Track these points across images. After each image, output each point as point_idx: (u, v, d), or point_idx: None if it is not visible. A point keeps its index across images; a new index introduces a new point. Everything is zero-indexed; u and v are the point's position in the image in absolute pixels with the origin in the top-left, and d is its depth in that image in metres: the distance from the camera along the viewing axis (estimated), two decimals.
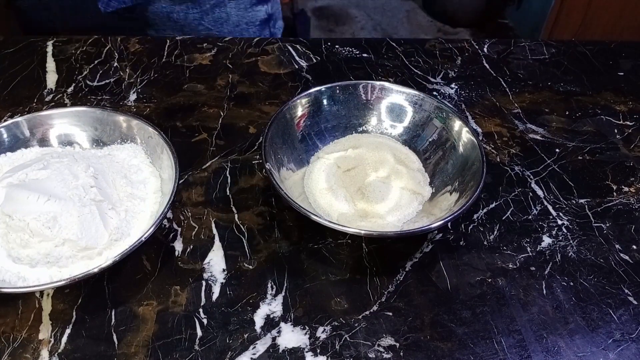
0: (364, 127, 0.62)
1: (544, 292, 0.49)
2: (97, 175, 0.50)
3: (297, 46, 0.79)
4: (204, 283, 0.49)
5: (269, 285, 0.49)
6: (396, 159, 0.58)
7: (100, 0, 0.76)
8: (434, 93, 0.71)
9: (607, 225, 0.55)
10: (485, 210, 0.56)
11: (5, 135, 0.55)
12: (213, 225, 0.54)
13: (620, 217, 0.56)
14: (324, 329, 0.46)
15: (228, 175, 0.59)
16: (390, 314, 0.47)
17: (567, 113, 0.70)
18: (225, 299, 0.47)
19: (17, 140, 0.55)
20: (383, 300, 0.48)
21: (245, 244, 0.52)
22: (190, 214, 0.55)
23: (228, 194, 0.57)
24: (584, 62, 0.79)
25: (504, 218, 0.56)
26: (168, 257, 0.51)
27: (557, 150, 0.64)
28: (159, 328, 0.45)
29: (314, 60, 0.76)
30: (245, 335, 0.45)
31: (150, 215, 0.51)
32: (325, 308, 0.47)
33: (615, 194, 0.59)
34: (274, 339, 0.45)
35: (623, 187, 0.60)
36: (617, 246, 0.53)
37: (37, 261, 0.45)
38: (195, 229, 0.53)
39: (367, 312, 0.47)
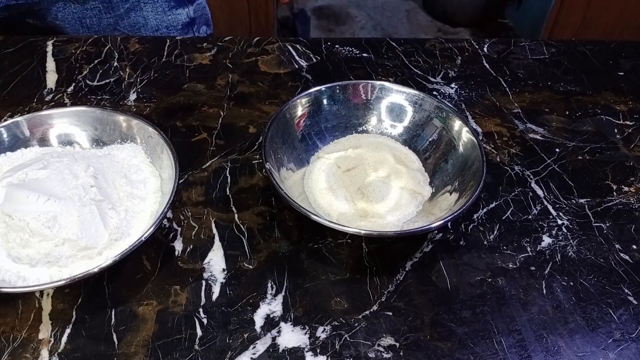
0: (364, 127, 0.62)
1: (544, 291, 0.49)
2: (97, 175, 0.50)
3: (297, 46, 0.79)
4: (204, 283, 0.49)
5: (269, 285, 0.49)
6: (396, 158, 0.58)
7: None
8: (434, 93, 0.71)
9: (607, 225, 0.55)
10: (485, 210, 0.56)
11: (5, 135, 0.55)
12: (213, 225, 0.54)
13: (620, 217, 0.56)
14: (324, 329, 0.46)
15: (228, 175, 0.59)
16: (390, 313, 0.47)
17: (567, 113, 0.70)
18: (225, 299, 0.47)
19: (17, 140, 0.55)
20: (383, 300, 0.48)
21: (245, 244, 0.52)
22: (190, 213, 0.55)
23: (228, 193, 0.57)
24: (584, 62, 0.79)
25: (504, 218, 0.56)
26: (168, 256, 0.51)
27: (557, 150, 0.64)
28: (159, 328, 0.45)
29: (314, 60, 0.76)
30: (245, 335, 0.45)
31: (150, 215, 0.51)
32: (325, 308, 0.47)
33: (615, 193, 0.59)
34: (274, 338, 0.45)
35: (623, 186, 0.60)
36: (617, 246, 0.53)
37: (37, 261, 0.45)
38: (195, 229, 0.53)
39: (367, 312, 0.47)
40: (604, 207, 0.57)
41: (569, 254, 0.52)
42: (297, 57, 0.77)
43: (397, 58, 0.77)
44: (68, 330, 0.45)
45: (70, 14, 0.81)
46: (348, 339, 0.45)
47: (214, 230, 0.53)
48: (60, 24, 0.82)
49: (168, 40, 0.78)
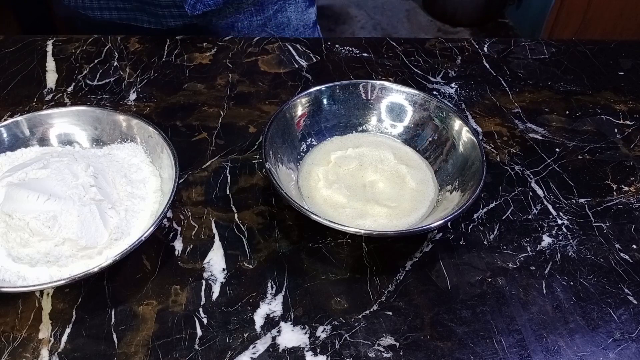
0: (364, 126, 0.62)
1: (544, 291, 0.49)
2: (97, 175, 0.50)
3: (297, 45, 0.78)
4: (204, 282, 0.49)
5: (269, 284, 0.49)
6: (397, 158, 0.58)
7: (186, 3, 0.75)
8: (434, 92, 0.71)
9: (607, 224, 0.55)
10: (485, 209, 0.56)
11: (5, 135, 0.55)
12: (213, 224, 0.54)
13: (620, 217, 0.56)
14: (324, 329, 0.46)
15: (228, 174, 0.59)
16: (390, 313, 0.47)
17: (567, 112, 0.70)
18: (225, 299, 0.47)
19: (17, 139, 0.55)
20: (383, 299, 0.48)
21: (245, 244, 0.52)
22: (190, 213, 0.55)
23: (228, 193, 0.57)
24: (584, 62, 0.79)
25: (504, 217, 0.56)
26: (168, 256, 0.51)
27: (557, 149, 0.64)
28: (159, 327, 0.45)
29: (314, 60, 0.76)
30: (245, 335, 0.45)
31: (150, 215, 0.51)
32: (325, 307, 0.47)
33: (615, 193, 0.59)
34: (274, 338, 0.45)
35: (623, 186, 0.60)
36: (617, 246, 0.53)
37: (37, 260, 0.45)
38: (195, 229, 0.53)
39: (367, 312, 0.47)
40: (604, 207, 0.57)
41: (569, 254, 0.52)
42: (297, 57, 0.76)
43: (397, 58, 0.77)
44: (68, 330, 0.45)
45: (223, 18, 0.83)
46: (348, 338, 0.45)
47: (214, 230, 0.53)
48: (212, 28, 0.84)
49: (168, 40, 0.78)
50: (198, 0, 0.75)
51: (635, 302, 0.49)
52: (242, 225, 0.54)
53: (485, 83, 0.73)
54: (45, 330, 0.45)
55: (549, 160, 0.63)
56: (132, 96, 0.69)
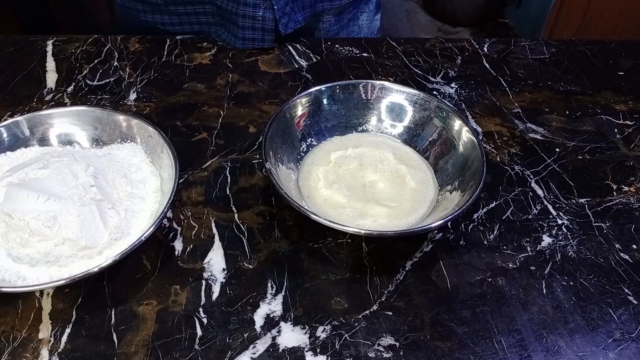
0: (364, 126, 0.61)
1: (544, 291, 0.49)
2: (97, 175, 0.50)
3: (297, 45, 0.78)
4: (203, 282, 0.49)
5: (269, 284, 0.49)
6: (396, 158, 0.58)
7: (280, 24, 0.75)
8: (434, 92, 0.71)
9: (607, 224, 0.55)
10: (485, 209, 0.56)
11: (5, 135, 0.55)
12: (213, 224, 0.54)
13: (620, 217, 0.56)
14: (324, 329, 0.46)
15: (228, 174, 0.59)
16: (390, 313, 0.47)
17: (567, 112, 0.70)
18: (225, 299, 0.47)
19: (17, 139, 0.55)
20: (383, 299, 0.48)
21: (245, 244, 0.52)
22: (190, 213, 0.55)
23: (228, 193, 0.57)
24: (584, 62, 0.79)
25: (504, 217, 0.56)
26: (168, 256, 0.51)
27: (557, 149, 0.64)
28: (159, 327, 0.45)
29: (314, 60, 0.76)
30: (245, 335, 0.45)
31: (150, 215, 0.51)
32: (325, 307, 0.47)
33: (615, 193, 0.59)
34: (274, 338, 0.45)
35: (623, 186, 0.60)
36: (617, 246, 0.53)
37: (37, 260, 0.45)
38: (195, 229, 0.53)
39: (367, 312, 0.47)
40: (604, 207, 0.57)
41: (569, 254, 0.52)
42: (297, 57, 0.76)
43: (397, 58, 0.77)
44: (68, 330, 0.45)
45: (303, 29, 0.82)
46: (348, 338, 0.45)
47: (214, 230, 0.53)
48: (288, 37, 0.83)
49: (168, 40, 0.78)
50: (289, 19, 0.76)
51: (635, 302, 0.49)
52: (242, 225, 0.54)
53: (485, 83, 0.73)
54: (45, 330, 0.45)
55: (549, 160, 0.63)
56: (132, 96, 0.69)
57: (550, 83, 0.74)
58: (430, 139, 0.59)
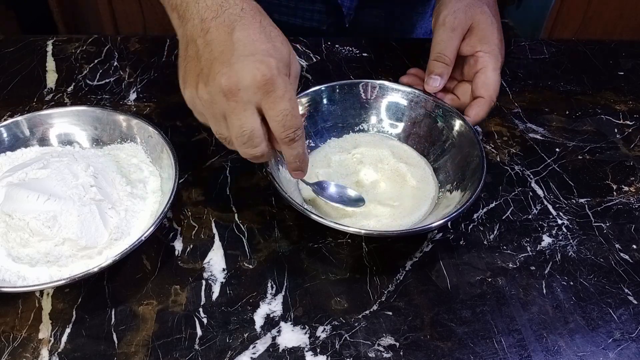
0: (363, 126, 0.61)
1: (544, 291, 0.49)
2: (97, 175, 0.50)
3: (297, 45, 0.78)
4: (204, 282, 0.49)
5: (269, 284, 0.49)
6: (395, 156, 0.58)
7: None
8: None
9: (607, 224, 0.55)
10: (485, 209, 0.56)
11: (5, 135, 0.55)
12: (213, 224, 0.54)
13: (620, 217, 0.56)
14: (324, 329, 0.46)
15: (228, 174, 0.59)
16: (390, 313, 0.47)
17: (567, 112, 0.70)
18: (225, 299, 0.47)
19: (17, 139, 0.55)
20: (383, 299, 0.48)
21: (245, 244, 0.52)
22: (190, 213, 0.55)
23: (228, 193, 0.57)
24: (584, 62, 0.79)
25: (504, 217, 0.56)
26: (168, 256, 0.51)
27: (557, 149, 0.64)
28: (159, 327, 0.45)
29: (314, 60, 0.76)
30: (245, 335, 0.45)
31: (150, 215, 0.51)
32: (325, 307, 0.47)
33: (615, 193, 0.59)
34: (274, 338, 0.45)
35: (623, 186, 0.60)
36: (617, 246, 0.53)
37: (37, 260, 0.45)
38: (195, 229, 0.53)
39: (367, 312, 0.47)
40: (604, 207, 0.57)
41: (569, 254, 0.52)
42: (297, 57, 0.76)
43: (398, 58, 0.77)
44: (68, 330, 0.45)
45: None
46: (348, 338, 0.45)
47: (214, 230, 0.53)
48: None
49: (168, 40, 0.78)
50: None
51: (635, 302, 0.49)
52: (242, 225, 0.54)
53: None
54: (45, 330, 0.45)
55: (549, 160, 0.62)
56: (132, 96, 0.69)
57: (550, 83, 0.74)
58: (430, 139, 0.59)
